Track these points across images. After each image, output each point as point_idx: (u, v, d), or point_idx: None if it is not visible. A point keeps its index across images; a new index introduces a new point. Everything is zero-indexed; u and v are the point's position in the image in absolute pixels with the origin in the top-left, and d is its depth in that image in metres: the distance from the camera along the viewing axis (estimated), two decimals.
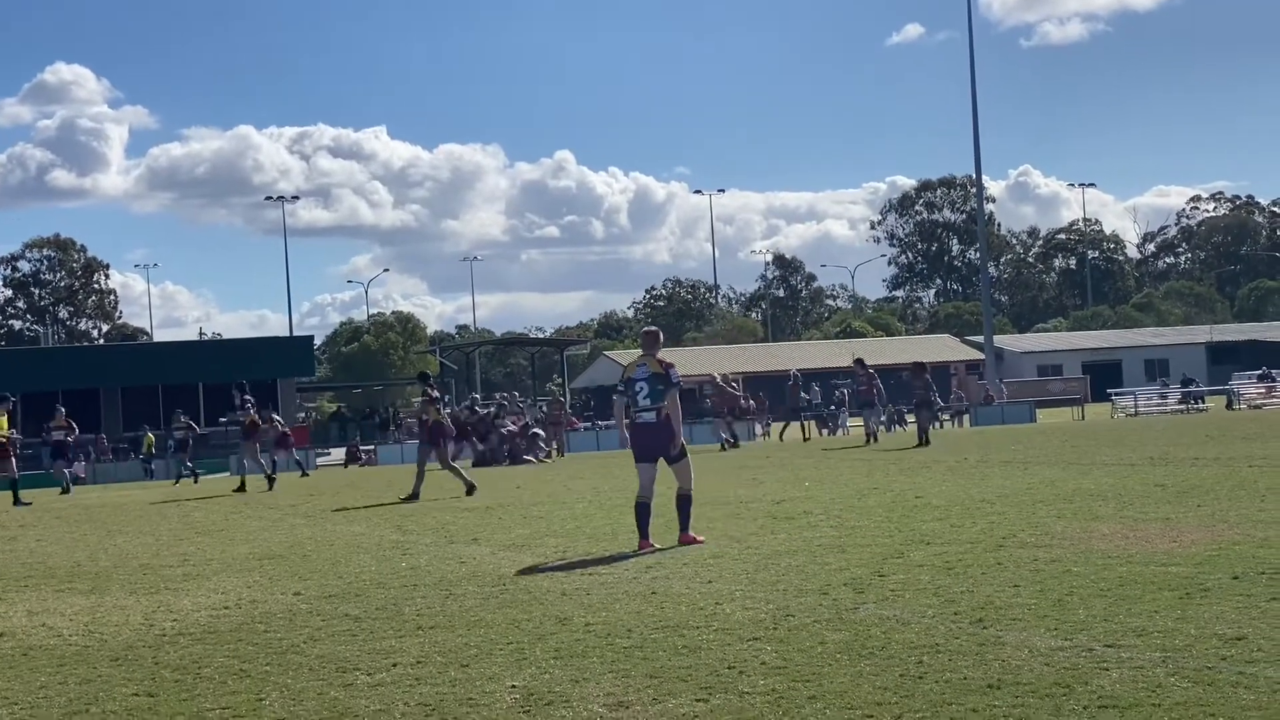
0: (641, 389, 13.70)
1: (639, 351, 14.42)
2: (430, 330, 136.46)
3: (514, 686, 7.43)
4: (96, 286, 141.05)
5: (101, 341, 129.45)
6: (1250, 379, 67.30)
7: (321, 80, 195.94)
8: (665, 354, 14.06)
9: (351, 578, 12.39)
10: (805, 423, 45.40)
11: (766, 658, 7.77)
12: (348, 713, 7.08)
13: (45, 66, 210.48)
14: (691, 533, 13.52)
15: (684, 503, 13.65)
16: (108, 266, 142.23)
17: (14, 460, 27.42)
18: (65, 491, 31.00)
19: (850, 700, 6.72)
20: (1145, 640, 7.61)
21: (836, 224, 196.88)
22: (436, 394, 24.33)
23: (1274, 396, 59.95)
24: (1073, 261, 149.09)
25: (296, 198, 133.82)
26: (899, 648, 7.82)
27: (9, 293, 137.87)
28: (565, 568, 12.21)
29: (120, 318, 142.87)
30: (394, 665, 8.16)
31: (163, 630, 9.98)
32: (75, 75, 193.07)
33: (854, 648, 7.89)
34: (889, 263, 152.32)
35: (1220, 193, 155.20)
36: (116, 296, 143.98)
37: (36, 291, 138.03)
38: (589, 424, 63.67)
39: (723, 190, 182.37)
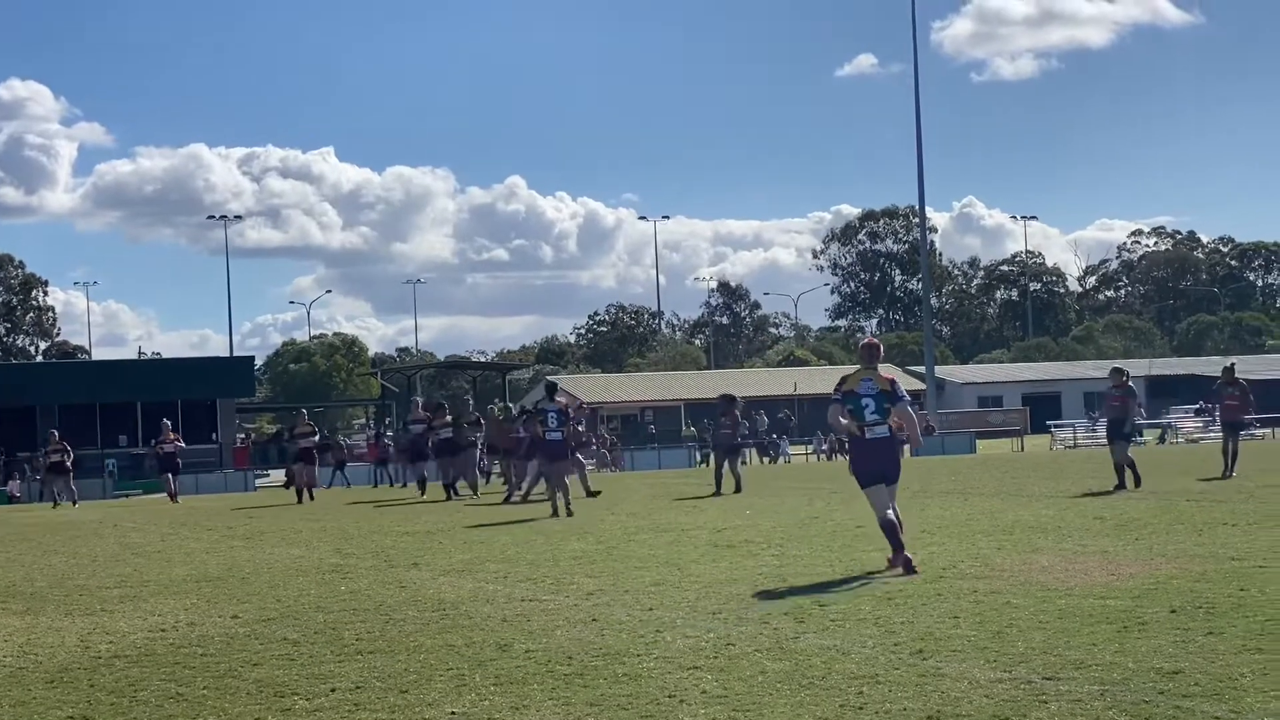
0: (868, 405, 12.92)
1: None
2: (372, 352, 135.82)
3: (453, 713, 7.40)
4: (35, 303, 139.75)
5: (40, 359, 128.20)
6: (1187, 413, 67.97)
7: (270, 100, 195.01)
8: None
9: (290, 601, 12.31)
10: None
11: (707, 686, 7.76)
12: None
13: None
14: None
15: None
16: (46, 283, 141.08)
17: None
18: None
19: None
20: (1084, 673, 7.65)
21: (783, 252, 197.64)
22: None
23: (1210, 431, 60.49)
24: (1014, 293, 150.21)
25: (240, 217, 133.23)
26: (839, 678, 7.83)
27: None
28: (506, 594, 12.17)
29: (59, 335, 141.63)
30: (332, 690, 8.10)
31: (98, 653, 9.88)
32: (31, 92, 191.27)
33: (794, 677, 7.90)
34: (832, 291, 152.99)
35: (1162, 227, 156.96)
36: (55, 314, 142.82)
37: None
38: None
39: (668, 217, 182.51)
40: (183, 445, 37.37)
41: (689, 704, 7.36)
